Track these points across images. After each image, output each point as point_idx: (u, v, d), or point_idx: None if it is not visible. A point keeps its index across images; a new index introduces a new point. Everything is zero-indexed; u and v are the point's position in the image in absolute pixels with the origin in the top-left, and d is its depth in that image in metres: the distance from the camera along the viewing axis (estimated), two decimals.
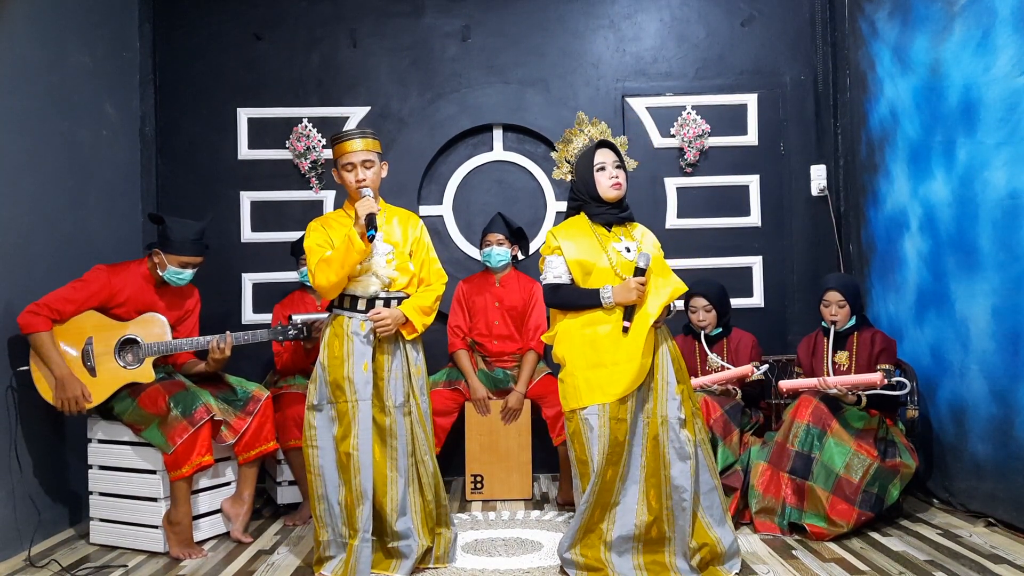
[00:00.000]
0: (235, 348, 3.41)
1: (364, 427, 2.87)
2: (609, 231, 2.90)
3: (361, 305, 2.93)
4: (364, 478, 2.84)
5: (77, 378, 3.18)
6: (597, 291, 2.79)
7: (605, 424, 2.73)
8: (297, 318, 3.47)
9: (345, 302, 2.95)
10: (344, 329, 2.91)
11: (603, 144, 2.90)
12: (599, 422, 2.73)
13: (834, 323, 3.55)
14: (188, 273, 3.37)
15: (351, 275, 2.89)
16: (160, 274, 3.33)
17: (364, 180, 2.92)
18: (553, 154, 3.05)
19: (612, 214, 2.89)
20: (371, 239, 2.81)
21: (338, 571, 2.85)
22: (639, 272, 2.77)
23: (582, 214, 2.94)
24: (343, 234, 2.86)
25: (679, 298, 2.86)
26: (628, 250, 2.86)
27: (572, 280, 2.86)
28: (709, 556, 2.79)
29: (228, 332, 3.35)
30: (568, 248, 2.86)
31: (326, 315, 3.08)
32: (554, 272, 2.88)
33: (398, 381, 2.95)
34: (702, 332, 3.81)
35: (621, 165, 2.90)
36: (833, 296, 3.55)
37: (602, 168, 2.87)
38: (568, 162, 3.01)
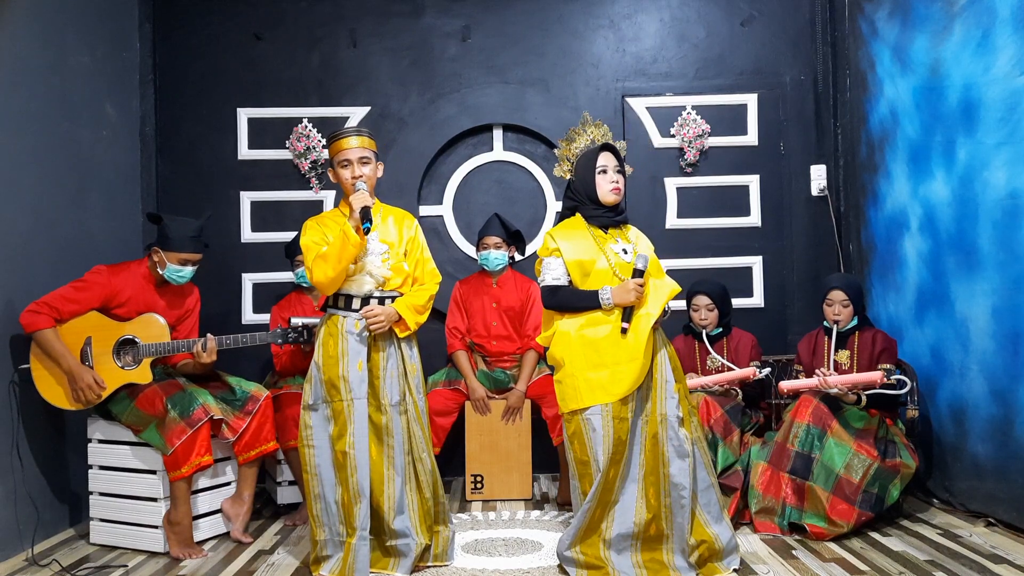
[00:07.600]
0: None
1: (360, 425, 2.87)
2: (605, 233, 2.91)
3: (356, 304, 2.93)
4: (361, 476, 2.84)
5: (86, 367, 3.18)
6: (596, 292, 2.80)
7: (608, 424, 2.73)
8: (297, 321, 3.46)
9: (340, 301, 2.95)
10: (339, 328, 2.92)
11: (606, 147, 2.91)
12: (602, 422, 2.73)
13: (836, 323, 3.54)
14: (188, 271, 3.36)
15: (348, 273, 2.90)
16: (160, 272, 3.33)
17: (360, 176, 2.93)
18: (556, 151, 3.06)
19: (608, 217, 2.90)
20: (366, 232, 2.81)
21: (336, 570, 2.85)
22: (637, 273, 2.78)
23: (578, 215, 2.95)
24: (338, 231, 2.87)
25: (676, 298, 2.87)
26: (625, 252, 2.87)
27: (571, 282, 2.86)
28: (707, 553, 2.80)
29: (209, 336, 3.31)
30: (567, 249, 2.86)
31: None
32: (553, 274, 2.88)
33: (393, 380, 2.95)
34: (703, 331, 3.81)
35: (622, 170, 2.92)
36: (837, 295, 3.55)
37: (603, 171, 2.87)
38: (569, 160, 3.01)
